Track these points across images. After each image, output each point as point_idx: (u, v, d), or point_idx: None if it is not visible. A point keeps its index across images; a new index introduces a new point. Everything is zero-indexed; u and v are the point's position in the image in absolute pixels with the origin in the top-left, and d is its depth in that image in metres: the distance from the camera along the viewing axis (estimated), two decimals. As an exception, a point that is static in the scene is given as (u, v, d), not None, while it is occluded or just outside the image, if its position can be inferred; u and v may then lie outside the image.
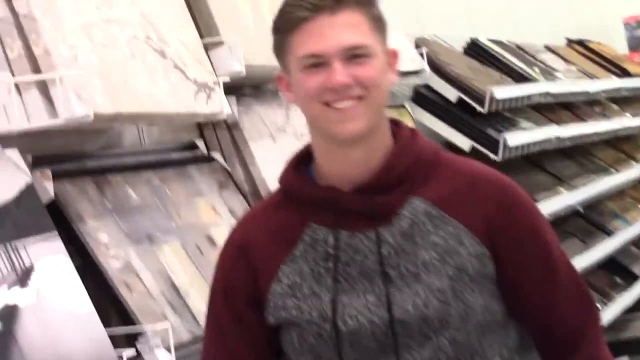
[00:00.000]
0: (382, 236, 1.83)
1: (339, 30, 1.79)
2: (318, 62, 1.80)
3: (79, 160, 2.65)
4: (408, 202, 1.84)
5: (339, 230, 1.85)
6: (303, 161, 1.92)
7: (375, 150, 1.86)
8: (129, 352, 2.31)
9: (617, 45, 7.90)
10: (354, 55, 1.80)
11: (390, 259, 1.82)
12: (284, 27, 1.83)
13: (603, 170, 5.80)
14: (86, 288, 2.31)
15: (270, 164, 3.06)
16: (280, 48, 1.86)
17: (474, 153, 4.34)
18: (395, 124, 1.92)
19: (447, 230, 1.83)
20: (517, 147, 4.48)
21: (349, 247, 1.84)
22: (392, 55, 1.90)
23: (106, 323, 2.32)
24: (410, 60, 4.18)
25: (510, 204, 1.87)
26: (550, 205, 4.63)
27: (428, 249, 1.82)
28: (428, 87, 4.46)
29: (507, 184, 1.90)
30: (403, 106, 4.27)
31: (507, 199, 1.87)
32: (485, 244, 1.83)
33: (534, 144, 4.73)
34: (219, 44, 2.96)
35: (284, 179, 1.93)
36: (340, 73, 1.78)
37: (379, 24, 1.86)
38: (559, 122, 5.26)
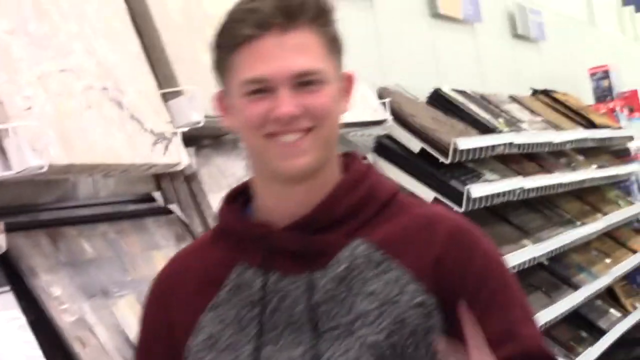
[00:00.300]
0: (315, 281, 1.66)
1: (290, 52, 1.63)
2: (263, 88, 1.63)
3: (32, 213, 2.64)
4: (349, 244, 1.67)
5: (268, 273, 1.68)
6: (242, 195, 1.77)
7: (320, 187, 1.69)
8: (82, 409, 2.30)
9: (583, 95, 8.01)
10: (305, 82, 1.64)
11: (321, 308, 1.65)
12: (226, 45, 1.66)
13: (568, 222, 5.85)
14: (39, 343, 2.29)
15: (228, 216, 3.06)
16: (220, 66, 1.69)
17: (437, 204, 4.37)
18: (349, 158, 1.76)
19: (389, 277, 1.65)
20: (480, 199, 4.52)
21: (278, 292, 1.67)
22: (348, 80, 1.73)
23: (58, 379, 2.31)
24: (373, 110, 4.20)
25: (463, 246, 1.69)
26: (515, 258, 4.67)
27: (365, 299, 1.64)
28: (390, 138, 4.49)
29: (462, 225, 1.72)
30: (365, 157, 4.29)
31: (459, 240, 1.69)
32: (432, 291, 1.65)
33: (498, 195, 4.77)
34: (178, 93, 2.97)
35: (218, 214, 1.79)
36: (287, 102, 1.62)
37: (335, 45, 1.69)
38: (523, 173, 5.31)
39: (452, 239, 1.69)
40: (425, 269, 1.65)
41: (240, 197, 1.77)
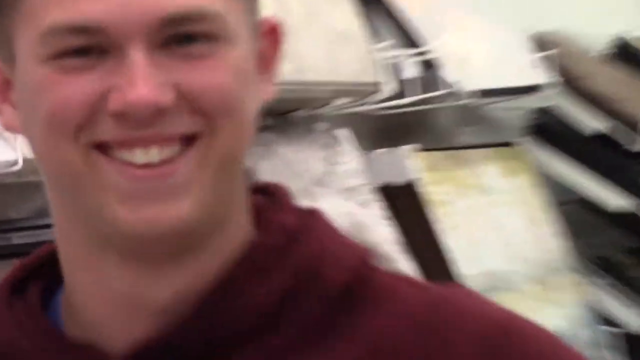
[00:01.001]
0: None
1: None
2: (91, 45, 1.12)
3: (2, 233, 2.65)
4: None
5: None
6: (40, 279, 1.30)
7: (210, 264, 1.19)
8: None
9: None
10: (183, 35, 1.13)
11: None
12: None
13: None
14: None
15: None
16: None
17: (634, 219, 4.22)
18: (267, 198, 1.27)
19: None
20: None
21: None
22: (271, 36, 1.24)
23: None
24: (526, 70, 4.11)
25: None
26: None
27: None
28: (553, 113, 4.38)
29: (504, 324, 1.23)
30: (511, 144, 4.11)
31: (499, 351, 1.19)
32: None
33: None
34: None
35: None
36: (145, 76, 1.10)
37: None
38: None
39: (486, 351, 1.20)
40: None
41: (33, 281, 1.29)
